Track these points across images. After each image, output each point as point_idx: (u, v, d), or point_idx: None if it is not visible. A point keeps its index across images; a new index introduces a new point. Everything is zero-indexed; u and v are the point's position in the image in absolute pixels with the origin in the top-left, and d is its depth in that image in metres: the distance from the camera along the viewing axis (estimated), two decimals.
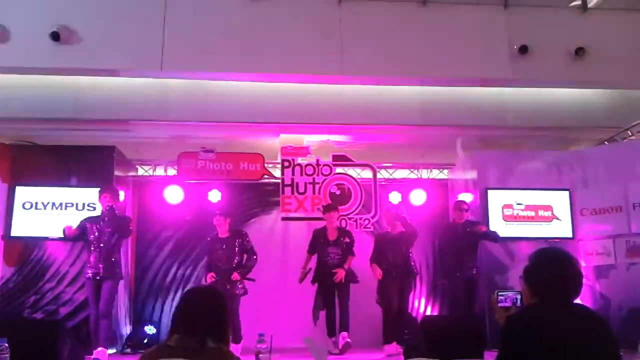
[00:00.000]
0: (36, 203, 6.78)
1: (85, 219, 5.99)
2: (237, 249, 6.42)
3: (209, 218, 6.74)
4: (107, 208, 5.92)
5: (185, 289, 6.01)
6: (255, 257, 6.46)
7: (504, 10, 7.53)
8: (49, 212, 6.77)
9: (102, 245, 5.82)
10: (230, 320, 5.52)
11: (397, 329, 6.42)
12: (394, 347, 6.19)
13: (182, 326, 2.16)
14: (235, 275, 6.24)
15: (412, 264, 6.54)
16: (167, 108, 7.32)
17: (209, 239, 6.69)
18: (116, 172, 7.02)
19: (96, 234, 5.85)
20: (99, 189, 6.12)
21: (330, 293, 6.53)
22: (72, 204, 6.81)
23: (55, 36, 6.73)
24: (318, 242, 6.68)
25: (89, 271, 5.82)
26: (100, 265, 5.77)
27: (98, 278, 5.76)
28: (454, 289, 6.66)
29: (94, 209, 6.56)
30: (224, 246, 6.41)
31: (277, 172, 7.61)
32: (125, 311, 7.38)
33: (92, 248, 5.84)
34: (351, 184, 7.55)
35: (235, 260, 6.39)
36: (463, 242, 6.56)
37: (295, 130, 7.70)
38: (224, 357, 2.13)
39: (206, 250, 6.71)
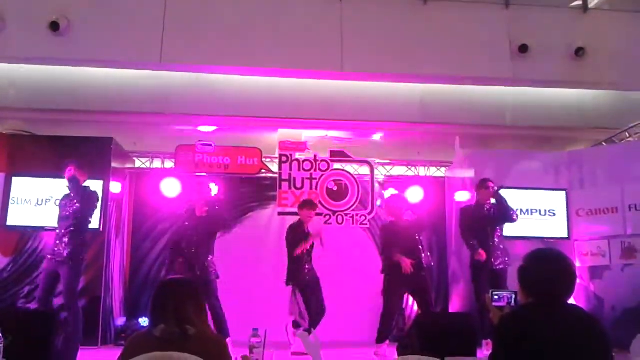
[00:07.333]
0: (32, 193, 6.76)
1: None
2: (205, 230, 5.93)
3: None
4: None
5: (160, 281, 5.87)
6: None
7: (505, 10, 7.52)
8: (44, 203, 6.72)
9: None
10: (214, 312, 5.47)
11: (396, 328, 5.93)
12: (384, 348, 5.76)
13: (162, 316, 2.26)
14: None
15: (423, 256, 5.88)
16: (165, 101, 7.30)
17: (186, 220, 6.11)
18: (113, 164, 6.98)
19: None
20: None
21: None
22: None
23: (55, 26, 6.70)
24: None
25: None
26: None
27: None
28: (477, 281, 5.90)
29: None
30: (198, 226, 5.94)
31: (274, 167, 7.61)
32: (119, 303, 7.38)
33: None
34: (348, 180, 7.54)
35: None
36: (490, 227, 6.02)
37: (294, 125, 7.70)
38: (206, 340, 2.24)
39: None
